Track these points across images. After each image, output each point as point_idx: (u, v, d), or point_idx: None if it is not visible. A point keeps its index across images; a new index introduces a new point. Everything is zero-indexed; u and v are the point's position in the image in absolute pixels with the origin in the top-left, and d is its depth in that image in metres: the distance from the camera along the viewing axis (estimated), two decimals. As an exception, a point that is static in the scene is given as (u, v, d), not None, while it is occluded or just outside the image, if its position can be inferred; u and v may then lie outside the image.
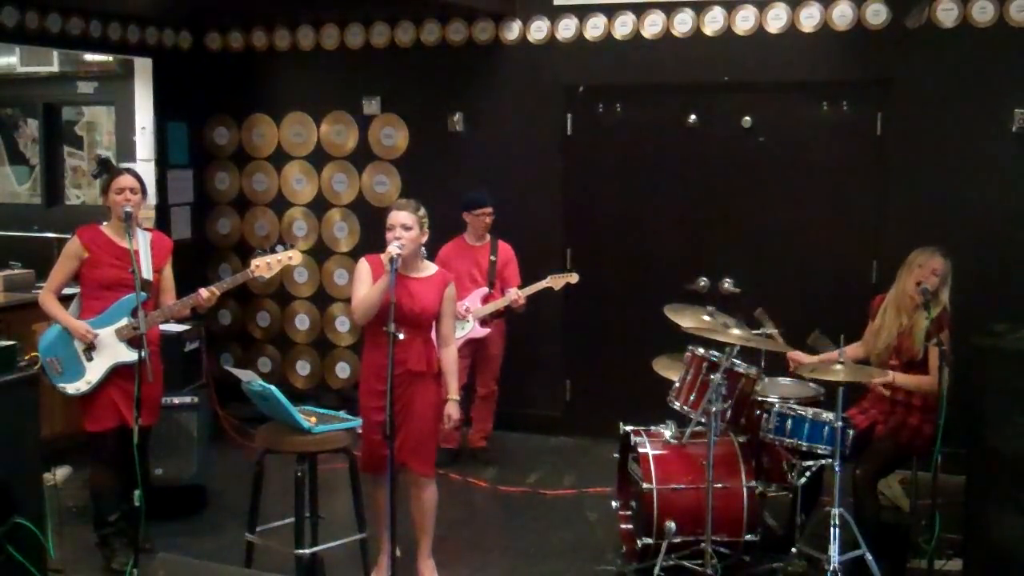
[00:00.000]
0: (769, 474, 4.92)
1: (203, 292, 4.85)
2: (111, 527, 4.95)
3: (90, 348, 4.82)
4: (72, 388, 4.82)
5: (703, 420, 4.68)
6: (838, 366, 4.56)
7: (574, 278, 6.37)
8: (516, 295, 6.24)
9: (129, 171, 4.96)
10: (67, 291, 5.03)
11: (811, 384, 5.03)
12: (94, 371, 4.82)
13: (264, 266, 4.92)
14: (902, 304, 4.93)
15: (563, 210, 7.07)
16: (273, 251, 4.98)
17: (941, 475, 4.58)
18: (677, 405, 4.87)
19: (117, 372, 4.82)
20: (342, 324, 7.72)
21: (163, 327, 5.30)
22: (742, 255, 6.65)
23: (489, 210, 6.38)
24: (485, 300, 6.36)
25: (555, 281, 6.33)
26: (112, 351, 4.82)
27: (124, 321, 4.79)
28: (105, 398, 4.83)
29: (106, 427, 4.84)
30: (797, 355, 5.08)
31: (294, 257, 5.01)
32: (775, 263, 6.57)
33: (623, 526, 5.16)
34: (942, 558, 4.75)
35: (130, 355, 4.70)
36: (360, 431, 4.55)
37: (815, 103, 6.49)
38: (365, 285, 4.44)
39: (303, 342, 7.90)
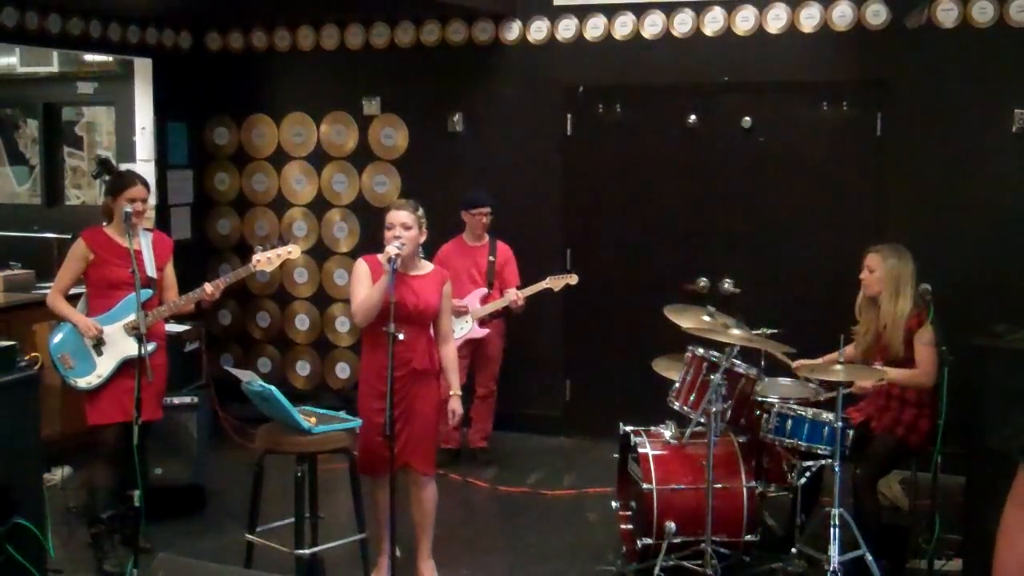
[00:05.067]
0: (769, 474, 4.92)
1: (208, 287, 4.93)
2: (103, 525, 4.96)
3: (100, 343, 4.87)
4: (84, 382, 4.86)
5: (703, 420, 4.68)
6: (838, 366, 4.57)
7: (573, 279, 6.37)
8: (515, 296, 6.24)
9: (142, 180, 4.99)
10: (71, 291, 5.06)
11: (811, 384, 5.03)
12: (104, 365, 4.87)
13: (265, 260, 4.99)
14: (863, 304, 5.00)
15: (563, 210, 7.07)
16: (273, 247, 5.05)
17: (941, 475, 4.59)
18: (677, 405, 4.88)
19: (126, 367, 4.84)
20: (342, 324, 7.72)
21: (165, 327, 5.31)
22: (742, 255, 6.65)
23: (487, 210, 6.38)
24: (484, 300, 6.36)
25: (554, 282, 6.33)
26: (121, 346, 4.86)
27: (132, 316, 4.82)
28: (111, 392, 4.87)
29: (108, 421, 4.86)
30: (801, 364, 5.08)
31: (294, 251, 5.11)
32: (775, 263, 6.57)
33: (623, 526, 5.16)
34: (942, 558, 4.76)
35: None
36: (358, 432, 4.54)
37: (815, 103, 6.49)
38: (364, 286, 4.44)
39: (303, 342, 7.90)
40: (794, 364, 5.06)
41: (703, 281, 6.69)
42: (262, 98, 7.81)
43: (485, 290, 6.39)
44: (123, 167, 7.29)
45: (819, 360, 5.04)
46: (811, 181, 6.52)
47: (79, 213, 7.95)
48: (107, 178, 5.45)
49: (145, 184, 4.98)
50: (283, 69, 7.75)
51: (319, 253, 7.75)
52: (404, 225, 4.39)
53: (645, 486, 4.73)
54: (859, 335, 5.00)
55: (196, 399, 5.76)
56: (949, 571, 4.75)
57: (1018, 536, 1.97)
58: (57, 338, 4.91)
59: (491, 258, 6.42)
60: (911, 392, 4.79)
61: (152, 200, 7.16)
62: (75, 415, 5.13)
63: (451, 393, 4.59)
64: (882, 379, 4.73)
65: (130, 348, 4.82)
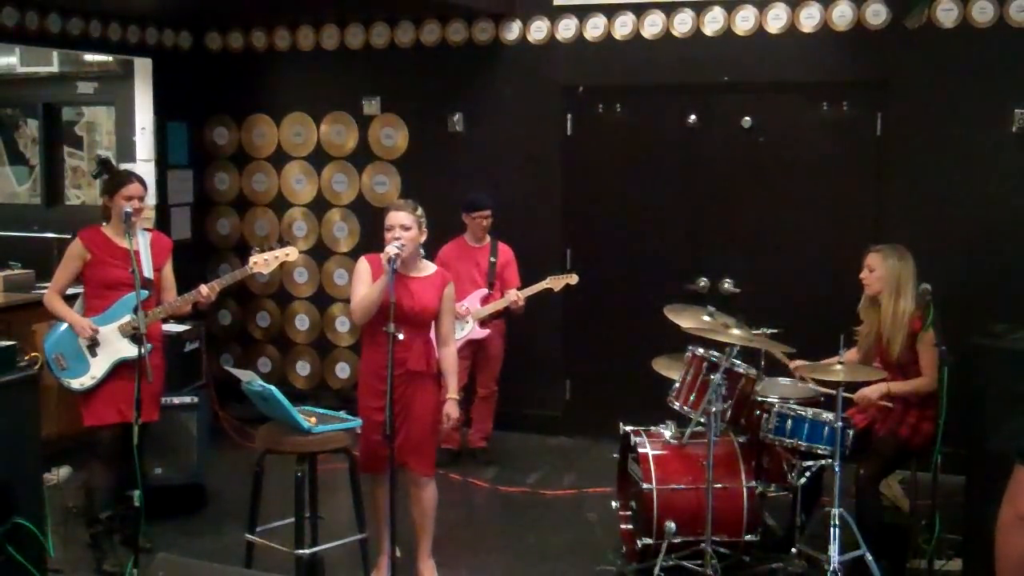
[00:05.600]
0: (769, 474, 4.92)
1: (203, 288, 4.93)
2: (101, 525, 4.96)
3: (94, 344, 4.86)
4: (77, 383, 4.86)
5: (703, 420, 4.68)
6: (838, 366, 4.57)
7: (574, 279, 6.37)
8: (515, 296, 6.25)
9: (138, 178, 4.96)
10: (69, 291, 5.06)
11: (811, 384, 5.03)
12: (98, 366, 4.86)
13: (262, 262, 5.01)
14: (864, 305, 4.99)
15: (563, 210, 7.07)
16: (271, 249, 5.05)
17: (941, 475, 4.58)
18: (677, 405, 4.87)
19: (120, 368, 4.84)
20: (342, 324, 7.72)
21: (164, 327, 5.32)
22: (742, 255, 6.65)
23: (487, 213, 6.38)
24: (485, 301, 6.36)
25: (555, 282, 6.34)
26: (116, 347, 4.86)
27: (127, 317, 4.84)
28: (106, 394, 4.86)
29: (104, 422, 4.86)
30: (798, 364, 5.08)
31: (291, 253, 5.11)
32: (775, 263, 6.57)
33: (623, 526, 5.16)
34: (942, 558, 4.76)
35: (133, 351, 4.72)
36: (359, 431, 4.54)
37: (815, 103, 6.49)
38: (364, 285, 4.44)
39: (303, 342, 7.90)
40: (792, 364, 5.06)
41: (703, 281, 6.70)
42: (262, 98, 7.81)
43: (486, 291, 6.39)
44: (123, 167, 7.30)
45: (818, 364, 5.03)
46: (811, 181, 6.52)
47: (79, 213, 7.95)
48: (106, 177, 5.44)
49: (142, 182, 4.95)
50: (283, 69, 7.75)
51: (319, 253, 7.75)
52: (403, 226, 4.39)
53: (645, 486, 4.73)
54: (861, 336, 5.00)
55: (196, 399, 5.75)
56: (949, 571, 4.75)
57: (1014, 534, 2.00)
58: (52, 338, 4.91)
59: (492, 259, 6.42)
60: (914, 395, 4.78)
61: (152, 200, 7.21)
62: (75, 415, 5.13)
63: (448, 396, 4.59)
64: (885, 392, 4.73)
65: (124, 349, 4.83)
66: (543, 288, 6.33)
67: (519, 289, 6.32)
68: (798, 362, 5.07)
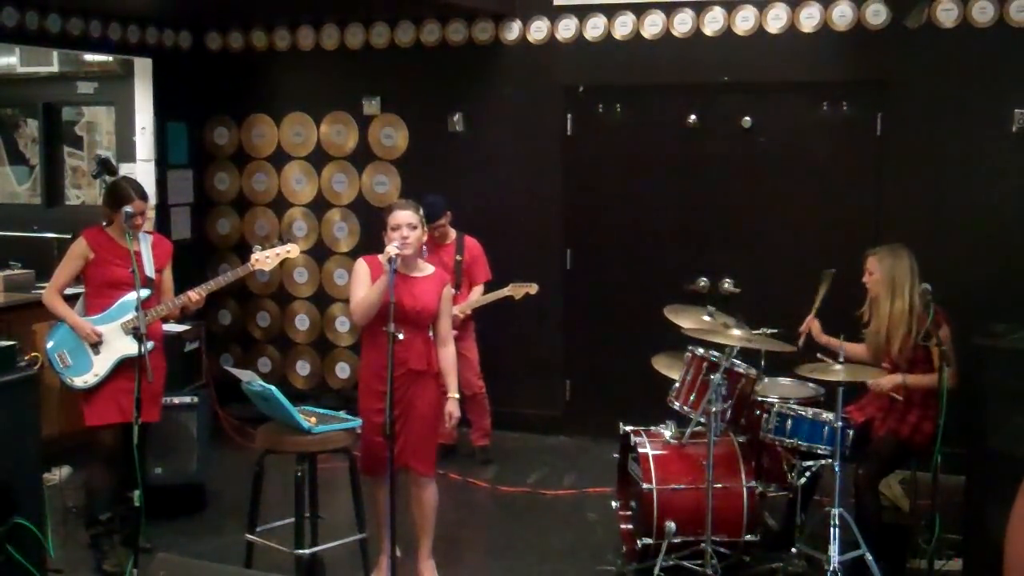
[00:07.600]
0: (769, 474, 4.92)
1: (191, 294, 4.93)
2: (101, 527, 4.97)
3: (97, 342, 4.85)
4: (80, 381, 4.86)
5: (703, 420, 4.68)
6: (838, 366, 4.57)
7: (534, 289, 6.27)
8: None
9: (139, 192, 4.92)
10: (68, 291, 5.06)
11: (811, 384, 5.03)
12: (101, 364, 4.86)
13: (263, 260, 5.00)
14: (870, 306, 5.00)
15: (563, 210, 7.07)
16: (272, 247, 5.06)
17: (941, 475, 4.58)
18: (677, 405, 4.88)
19: (122, 367, 4.85)
20: (342, 324, 7.72)
21: (164, 327, 5.32)
22: (742, 255, 6.65)
23: (441, 223, 6.22)
24: (452, 302, 6.28)
25: (515, 290, 6.26)
26: (119, 344, 4.86)
27: (130, 315, 4.83)
28: (107, 392, 4.86)
29: (105, 421, 4.86)
30: (814, 323, 5.12)
31: (292, 251, 5.11)
32: (775, 263, 6.57)
33: (623, 526, 5.16)
34: (942, 558, 4.75)
35: (135, 348, 4.69)
36: (359, 432, 4.54)
37: (815, 103, 6.49)
38: (364, 286, 4.44)
39: (303, 342, 7.90)
40: (808, 319, 5.08)
41: (703, 281, 6.69)
42: (262, 98, 7.81)
43: (452, 291, 6.32)
44: (123, 167, 7.30)
45: (829, 339, 5.06)
46: (811, 181, 6.52)
47: (79, 213, 7.95)
48: (107, 178, 5.42)
49: (143, 196, 4.93)
50: (283, 69, 7.75)
51: (319, 253, 7.75)
52: (410, 225, 4.39)
53: (645, 486, 4.73)
54: (869, 335, 4.99)
55: (196, 399, 5.75)
56: (949, 571, 4.75)
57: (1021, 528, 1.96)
58: (55, 336, 4.91)
59: (458, 257, 6.33)
60: (916, 394, 4.78)
61: (152, 200, 7.19)
62: (75, 415, 5.13)
63: (448, 396, 4.59)
64: (899, 382, 4.74)
65: (127, 347, 4.82)
66: (504, 295, 6.27)
67: (487, 284, 6.28)
68: (811, 319, 5.10)
